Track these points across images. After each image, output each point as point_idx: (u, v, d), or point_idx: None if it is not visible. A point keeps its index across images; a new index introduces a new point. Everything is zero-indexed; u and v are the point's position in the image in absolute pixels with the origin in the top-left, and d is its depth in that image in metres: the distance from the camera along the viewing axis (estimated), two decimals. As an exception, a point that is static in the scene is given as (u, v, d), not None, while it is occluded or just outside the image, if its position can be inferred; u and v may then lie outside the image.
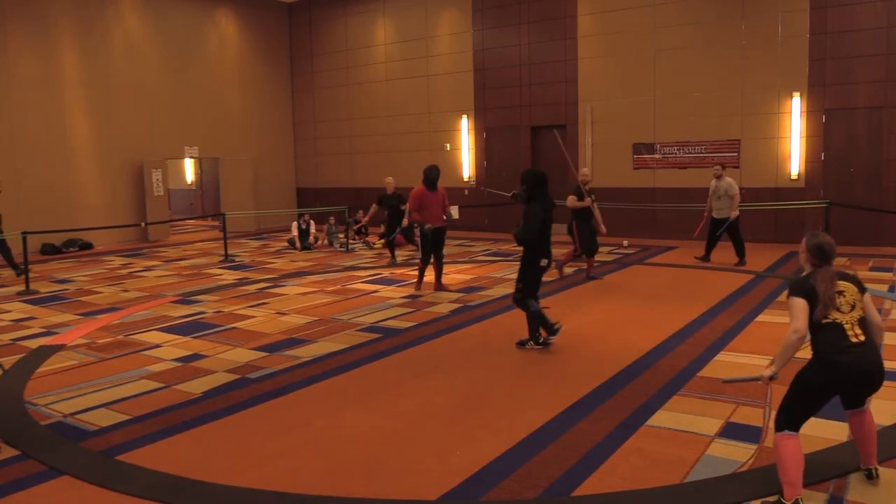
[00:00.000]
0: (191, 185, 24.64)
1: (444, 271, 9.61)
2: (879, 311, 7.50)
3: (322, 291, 9.59)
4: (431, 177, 9.04)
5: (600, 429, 4.49)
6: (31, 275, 10.79)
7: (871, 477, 3.66)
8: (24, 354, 6.67)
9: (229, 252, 13.54)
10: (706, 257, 11.25)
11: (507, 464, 4.03)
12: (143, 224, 15.83)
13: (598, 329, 7.17)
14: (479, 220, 16.45)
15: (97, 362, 6.36)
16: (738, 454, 4.05)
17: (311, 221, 14.83)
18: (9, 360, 6.46)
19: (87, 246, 15.36)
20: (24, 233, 10.60)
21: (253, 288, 10.00)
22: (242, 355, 6.46)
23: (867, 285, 3.73)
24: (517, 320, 7.67)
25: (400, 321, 7.73)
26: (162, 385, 5.64)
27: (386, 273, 11.08)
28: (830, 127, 12.90)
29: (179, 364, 6.24)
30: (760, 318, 7.40)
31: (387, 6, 18.22)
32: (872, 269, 10.22)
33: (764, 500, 3.52)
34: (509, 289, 9.47)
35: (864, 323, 3.50)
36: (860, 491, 3.58)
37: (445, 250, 9.58)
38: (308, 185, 20.35)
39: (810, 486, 3.62)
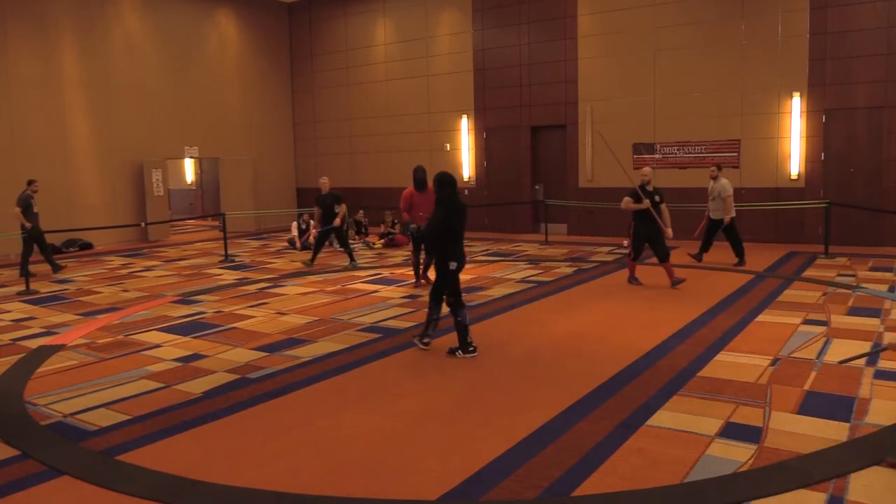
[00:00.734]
0: (191, 185, 24.64)
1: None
2: (879, 311, 7.51)
3: (322, 291, 9.59)
4: (418, 178, 9.29)
5: (600, 429, 4.49)
6: (31, 275, 10.78)
7: None
8: (24, 354, 6.67)
9: (229, 252, 13.55)
10: (699, 256, 11.25)
11: (507, 464, 4.03)
12: (143, 224, 15.84)
13: (598, 329, 7.17)
14: (479, 220, 16.47)
15: (97, 362, 6.36)
16: (738, 454, 4.05)
17: (312, 221, 14.82)
18: (9, 360, 6.47)
19: (87, 246, 15.37)
20: (24, 233, 10.61)
21: (253, 288, 10.00)
22: (242, 355, 6.46)
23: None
24: (517, 320, 7.68)
25: (400, 321, 7.73)
26: (162, 385, 5.64)
27: (386, 273, 11.08)
28: (830, 127, 12.90)
29: (179, 364, 6.24)
30: (760, 318, 7.40)
31: (387, 6, 18.22)
32: (872, 269, 10.21)
33: (764, 500, 3.52)
34: (509, 289, 9.49)
35: None
36: (860, 491, 3.58)
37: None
38: (308, 185, 20.33)
39: (810, 486, 3.62)
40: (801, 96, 13.01)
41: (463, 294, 9.10)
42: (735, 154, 13.69)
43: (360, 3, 18.68)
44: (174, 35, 17.57)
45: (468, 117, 16.99)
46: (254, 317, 8.08)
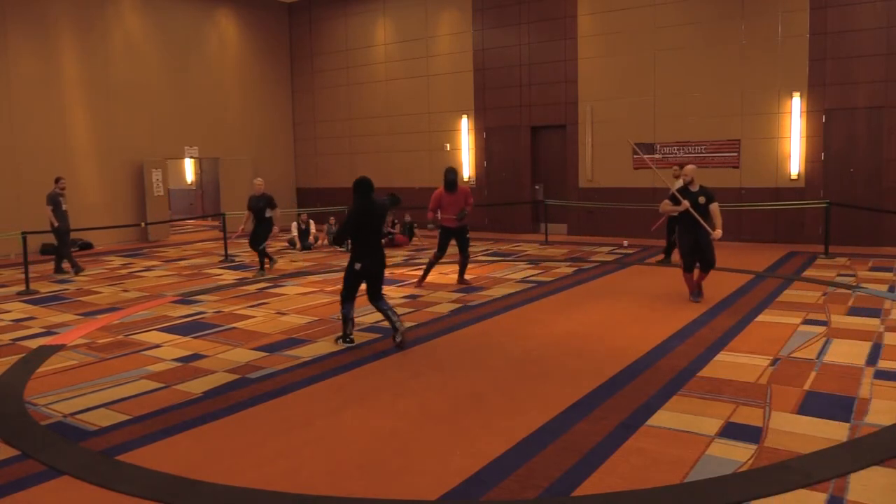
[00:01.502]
0: (191, 185, 24.64)
1: (443, 270, 9.65)
2: (879, 311, 7.51)
3: (322, 291, 9.59)
4: (448, 178, 9.35)
5: (600, 429, 4.49)
6: (31, 275, 10.79)
7: None
8: (24, 354, 6.67)
9: (229, 252, 13.55)
10: (666, 260, 11.24)
11: (507, 464, 4.02)
12: (143, 224, 15.84)
13: (598, 329, 7.17)
14: (479, 219, 16.47)
15: (97, 362, 6.36)
16: (738, 454, 4.04)
17: (311, 221, 14.83)
18: (9, 361, 6.47)
19: (87, 246, 15.36)
20: (23, 233, 10.61)
21: (253, 288, 10.00)
22: (242, 355, 6.46)
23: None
24: (517, 320, 7.68)
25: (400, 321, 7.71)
26: (162, 385, 5.64)
27: (386, 273, 11.05)
28: (830, 127, 12.90)
29: (179, 364, 6.24)
30: (760, 318, 7.40)
31: (387, 6, 18.22)
32: (872, 269, 10.21)
33: (764, 500, 3.52)
34: (509, 289, 9.49)
35: None
36: (860, 491, 3.58)
37: (447, 250, 9.69)
38: (308, 185, 20.35)
39: (810, 486, 3.62)
40: (801, 96, 13.01)
41: (463, 294, 9.14)
42: (735, 154, 13.69)
43: (360, 3, 18.68)
44: (174, 35, 17.57)
45: (468, 117, 17.00)
46: (254, 317, 8.08)
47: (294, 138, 20.62)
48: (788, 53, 13.07)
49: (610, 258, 12.14)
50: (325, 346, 6.71)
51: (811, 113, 12.99)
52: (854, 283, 9.04)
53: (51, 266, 12.13)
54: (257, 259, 11.43)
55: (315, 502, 3.67)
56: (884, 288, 8.70)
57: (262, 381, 5.70)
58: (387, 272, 11.24)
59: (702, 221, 7.90)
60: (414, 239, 15.06)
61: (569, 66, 15.46)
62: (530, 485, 3.76)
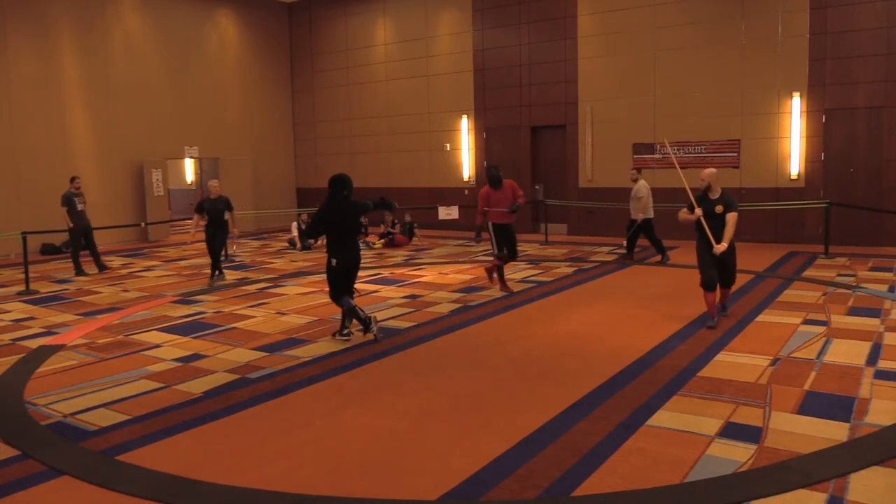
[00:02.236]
0: (191, 185, 24.64)
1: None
2: (879, 311, 7.51)
3: (322, 291, 9.58)
4: (491, 175, 9.25)
5: (600, 429, 4.49)
6: (31, 275, 10.79)
7: None
8: (24, 354, 6.67)
9: (229, 252, 13.54)
10: (629, 256, 11.72)
11: (507, 464, 4.02)
12: (143, 224, 15.84)
13: (597, 329, 7.17)
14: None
15: (97, 362, 6.36)
16: (738, 454, 4.04)
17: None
18: (9, 361, 6.47)
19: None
20: (23, 233, 10.61)
21: (253, 288, 10.00)
22: (242, 355, 6.46)
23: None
24: (517, 320, 7.68)
25: (400, 321, 7.73)
26: (162, 385, 5.64)
27: (386, 273, 11.07)
28: (830, 127, 12.90)
29: (179, 364, 6.24)
30: (760, 318, 7.40)
31: (387, 6, 18.22)
32: (872, 269, 10.21)
33: (764, 500, 3.52)
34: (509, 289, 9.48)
35: None
36: (860, 491, 3.58)
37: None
38: (308, 185, 20.35)
39: (810, 486, 3.62)
40: (801, 96, 13.01)
41: (463, 294, 9.14)
42: (735, 154, 13.69)
43: (360, 3, 18.68)
44: (174, 35, 17.57)
45: (468, 117, 17.00)
46: (254, 317, 8.08)
47: (294, 138, 20.62)
48: (788, 53, 13.07)
49: (610, 258, 12.14)
50: (325, 346, 6.71)
51: (811, 113, 12.99)
52: (854, 283, 9.04)
53: (51, 266, 12.12)
54: (210, 267, 10.75)
55: (315, 502, 3.67)
56: (884, 288, 8.70)
57: (262, 381, 5.70)
58: (387, 272, 11.29)
59: (709, 234, 6.99)
60: (414, 239, 15.06)
61: (569, 66, 15.46)
62: (530, 485, 3.77)
